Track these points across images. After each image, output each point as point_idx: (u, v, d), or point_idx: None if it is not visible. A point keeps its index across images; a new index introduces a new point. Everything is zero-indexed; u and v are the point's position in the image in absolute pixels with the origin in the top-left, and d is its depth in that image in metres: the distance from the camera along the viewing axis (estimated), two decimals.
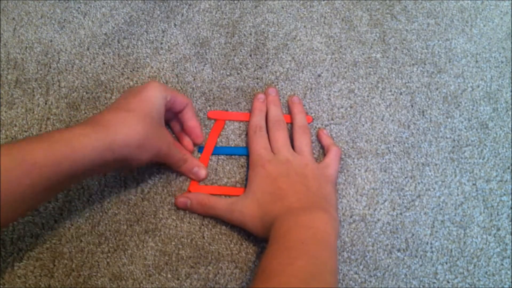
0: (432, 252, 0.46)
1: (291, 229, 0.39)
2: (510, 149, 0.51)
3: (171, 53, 0.55)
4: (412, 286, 0.44)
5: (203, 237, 0.46)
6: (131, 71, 0.54)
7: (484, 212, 0.48)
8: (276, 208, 0.42)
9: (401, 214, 0.47)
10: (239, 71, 0.55)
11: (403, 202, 0.48)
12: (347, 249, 0.45)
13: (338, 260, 0.45)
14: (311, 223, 0.40)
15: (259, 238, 0.45)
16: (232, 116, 0.52)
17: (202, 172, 0.48)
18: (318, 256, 0.37)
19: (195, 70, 0.55)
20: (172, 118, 0.50)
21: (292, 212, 0.41)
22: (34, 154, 0.35)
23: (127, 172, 0.48)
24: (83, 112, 0.52)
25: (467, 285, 0.44)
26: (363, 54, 0.56)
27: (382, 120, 0.52)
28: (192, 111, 0.49)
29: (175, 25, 0.57)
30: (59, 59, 0.55)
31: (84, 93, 0.53)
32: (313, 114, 0.52)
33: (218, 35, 0.57)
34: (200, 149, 0.50)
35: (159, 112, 0.43)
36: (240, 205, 0.44)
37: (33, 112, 0.52)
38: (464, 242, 0.46)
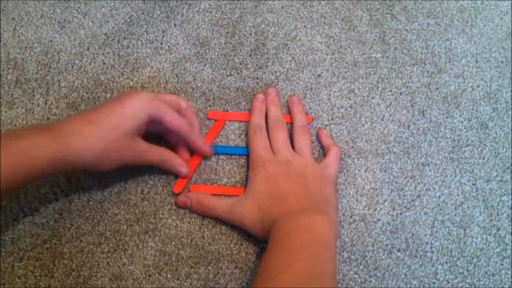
0: (432, 252, 0.46)
1: (290, 231, 0.39)
2: (510, 149, 0.51)
3: (171, 53, 0.55)
4: (412, 286, 0.44)
5: (203, 237, 0.46)
6: (131, 71, 0.54)
7: (484, 212, 0.48)
8: (275, 210, 0.42)
9: (401, 214, 0.47)
10: (239, 71, 0.55)
11: (403, 202, 0.48)
12: (347, 249, 0.45)
13: (338, 260, 0.45)
14: (311, 225, 0.40)
15: (259, 239, 0.45)
16: (232, 116, 0.52)
17: (182, 170, 0.47)
18: (317, 258, 0.37)
19: (195, 70, 0.55)
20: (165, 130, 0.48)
21: (291, 214, 0.41)
22: None
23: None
24: None
25: (467, 285, 0.44)
26: (363, 54, 0.56)
27: (382, 120, 0.52)
28: (190, 135, 0.46)
29: (175, 25, 0.57)
30: (59, 59, 0.55)
31: (84, 93, 0.53)
32: (313, 114, 0.52)
33: (218, 35, 0.57)
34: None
35: (131, 126, 0.42)
36: (240, 206, 0.44)
37: (33, 112, 0.52)
38: (464, 242, 0.46)
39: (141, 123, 0.43)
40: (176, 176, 0.48)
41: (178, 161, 0.47)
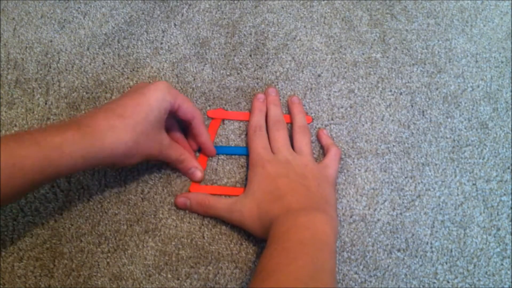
0: (432, 252, 0.46)
1: (290, 230, 0.39)
2: (510, 149, 0.51)
3: (171, 53, 0.55)
4: (412, 286, 0.44)
5: (203, 237, 0.46)
6: (131, 71, 0.54)
7: (484, 212, 0.48)
8: (275, 208, 0.42)
9: (401, 214, 0.47)
10: (239, 71, 0.55)
11: (403, 202, 0.48)
12: (347, 249, 0.45)
13: (338, 260, 0.45)
14: (310, 224, 0.40)
15: (258, 238, 0.45)
16: (231, 115, 0.52)
17: (197, 174, 0.48)
18: (317, 256, 0.37)
19: (195, 70, 0.55)
20: (173, 124, 0.49)
21: (291, 213, 0.41)
22: (23, 160, 0.36)
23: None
24: (83, 112, 0.52)
25: (467, 285, 0.44)
26: (363, 54, 0.56)
27: (382, 120, 0.52)
28: (201, 125, 0.48)
29: (175, 25, 0.57)
30: (59, 59, 0.55)
31: (84, 93, 0.53)
32: (313, 114, 0.52)
33: (218, 35, 0.57)
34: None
35: (157, 117, 0.43)
36: (240, 205, 0.44)
37: (33, 112, 0.52)
38: (464, 242, 0.46)
39: (165, 113, 0.43)
40: (176, 176, 0.48)
41: (195, 163, 0.48)
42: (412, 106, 0.53)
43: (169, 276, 0.44)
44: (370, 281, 0.44)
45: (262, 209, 0.43)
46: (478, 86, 0.54)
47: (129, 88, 0.53)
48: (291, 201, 0.42)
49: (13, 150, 0.36)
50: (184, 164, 0.47)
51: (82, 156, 0.38)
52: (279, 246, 0.38)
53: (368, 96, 0.53)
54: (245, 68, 0.55)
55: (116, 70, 0.54)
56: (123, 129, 0.40)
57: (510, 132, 0.52)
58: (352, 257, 0.45)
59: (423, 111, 0.53)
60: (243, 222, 0.44)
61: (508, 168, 0.50)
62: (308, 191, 0.43)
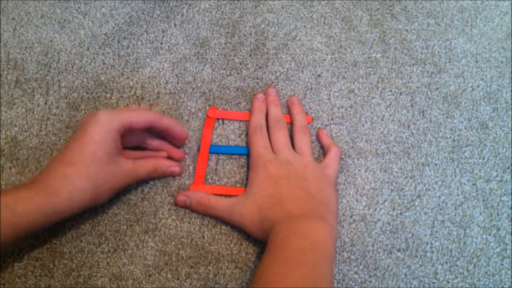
0: (432, 252, 0.46)
1: (289, 237, 0.39)
2: (510, 149, 0.51)
3: (171, 53, 0.55)
4: (412, 286, 0.44)
5: (203, 237, 0.46)
6: (131, 71, 0.54)
7: (484, 212, 0.48)
8: (275, 212, 0.42)
9: (401, 214, 0.47)
10: (239, 71, 0.55)
11: (403, 202, 0.48)
12: (347, 249, 0.45)
13: (338, 260, 0.45)
14: (309, 232, 0.40)
15: (258, 240, 0.45)
16: (231, 115, 0.52)
17: (175, 170, 0.47)
18: (315, 266, 0.37)
19: (195, 70, 0.55)
20: (142, 139, 0.48)
21: (291, 219, 0.41)
22: None
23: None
24: (83, 112, 0.52)
25: (467, 285, 0.44)
26: (363, 54, 0.56)
27: (382, 120, 0.52)
28: (161, 121, 0.45)
29: (175, 25, 0.57)
30: (59, 59, 0.55)
31: (84, 93, 0.53)
32: (313, 114, 0.52)
33: (218, 35, 0.57)
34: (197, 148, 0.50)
35: (107, 149, 0.41)
36: (240, 207, 0.44)
37: (33, 112, 0.52)
38: (464, 242, 0.46)
39: (114, 142, 0.42)
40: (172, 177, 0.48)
41: (166, 164, 0.47)
42: (412, 106, 0.53)
43: (169, 276, 0.44)
44: (370, 281, 0.44)
45: (262, 212, 0.43)
46: (478, 86, 0.54)
47: (129, 88, 0.53)
48: (291, 207, 0.42)
49: None
50: (159, 171, 0.46)
51: (39, 213, 0.37)
52: (277, 255, 0.38)
53: (368, 96, 0.53)
54: (245, 68, 0.55)
55: (116, 70, 0.54)
56: (75, 176, 0.39)
57: (510, 132, 0.52)
58: (352, 257, 0.45)
59: (423, 111, 0.53)
60: (243, 224, 0.44)
61: (508, 168, 0.50)
62: (308, 195, 0.43)
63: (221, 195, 0.48)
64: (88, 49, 0.56)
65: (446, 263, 0.45)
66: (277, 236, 0.40)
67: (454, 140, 0.51)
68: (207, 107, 0.52)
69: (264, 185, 0.44)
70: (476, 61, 0.56)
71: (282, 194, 0.43)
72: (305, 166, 0.46)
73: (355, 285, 0.44)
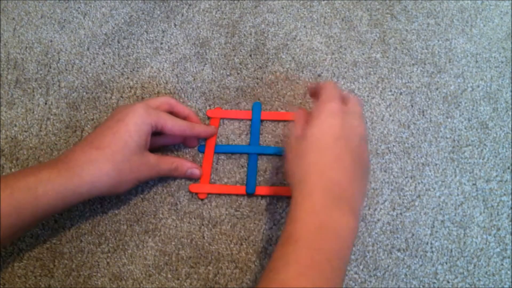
0: (432, 252, 0.46)
1: (321, 229, 0.35)
2: (510, 149, 0.51)
3: (171, 53, 0.55)
4: (412, 286, 0.44)
5: (203, 237, 0.46)
6: (131, 71, 0.54)
7: (484, 212, 0.48)
8: (312, 177, 0.37)
9: (401, 214, 0.47)
10: (239, 71, 0.55)
11: (403, 202, 0.48)
12: None
13: None
14: (342, 231, 0.35)
15: (258, 238, 0.45)
16: (231, 114, 0.52)
17: (196, 172, 0.48)
18: (334, 279, 0.34)
19: (195, 70, 0.55)
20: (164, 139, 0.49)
21: (328, 199, 0.36)
22: None
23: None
24: (83, 112, 0.52)
25: (467, 285, 0.44)
26: (363, 54, 0.56)
27: (382, 120, 0.52)
28: (194, 129, 0.47)
29: (175, 25, 0.57)
30: (59, 59, 0.55)
31: (84, 93, 0.53)
32: None
33: (218, 35, 0.57)
34: (201, 147, 0.50)
35: (138, 141, 0.42)
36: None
37: (33, 112, 0.52)
38: (464, 242, 0.46)
39: (146, 136, 0.43)
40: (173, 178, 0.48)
41: (187, 165, 0.47)
42: (412, 106, 0.53)
43: (169, 276, 0.44)
44: (370, 281, 0.44)
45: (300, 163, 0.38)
46: (478, 86, 0.54)
47: (129, 88, 0.53)
48: (335, 179, 0.37)
49: None
50: (179, 170, 0.47)
51: (59, 193, 0.38)
52: (307, 254, 0.34)
53: (368, 96, 0.53)
54: (245, 68, 0.55)
55: (116, 70, 0.54)
56: (101, 160, 0.40)
57: (510, 132, 0.52)
58: (352, 257, 0.45)
59: (423, 111, 0.53)
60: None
61: (508, 168, 0.50)
62: (355, 170, 0.38)
63: (221, 194, 0.48)
64: (88, 49, 0.56)
65: (446, 263, 0.45)
66: (309, 219, 0.35)
67: (454, 140, 0.51)
68: (207, 107, 0.52)
69: (329, 129, 0.39)
70: (476, 61, 0.56)
71: (339, 156, 0.38)
72: (357, 126, 0.40)
73: (355, 285, 0.44)
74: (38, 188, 0.37)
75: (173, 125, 0.45)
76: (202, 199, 0.47)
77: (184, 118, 0.48)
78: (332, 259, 0.34)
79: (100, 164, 0.40)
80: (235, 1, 0.59)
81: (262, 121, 0.52)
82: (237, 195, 0.48)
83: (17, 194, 0.36)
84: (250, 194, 0.48)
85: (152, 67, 0.55)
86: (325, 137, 0.38)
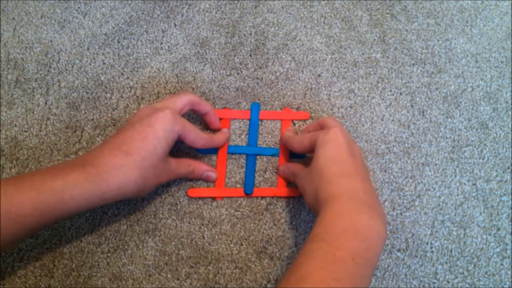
0: (432, 252, 0.46)
1: (347, 233, 0.35)
2: (510, 149, 0.51)
3: (171, 53, 0.55)
4: (412, 286, 0.44)
5: (203, 237, 0.46)
6: (131, 71, 0.54)
7: (484, 212, 0.48)
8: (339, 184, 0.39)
9: (401, 214, 0.47)
10: (239, 71, 0.55)
11: (403, 202, 0.48)
12: None
13: None
14: (369, 233, 0.36)
15: (258, 238, 0.45)
16: (233, 114, 0.52)
17: (212, 175, 0.48)
18: (355, 275, 0.34)
19: (195, 70, 0.55)
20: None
21: (354, 204, 0.37)
22: (21, 207, 0.35)
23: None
24: (83, 112, 0.52)
25: (467, 285, 0.44)
26: (363, 54, 0.56)
27: (382, 120, 0.52)
28: (218, 144, 0.48)
29: (175, 25, 0.57)
30: (59, 59, 0.55)
31: (84, 93, 0.53)
32: (313, 114, 0.52)
33: (218, 35, 0.57)
34: (215, 150, 0.50)
35: (165, 148, 0.42)
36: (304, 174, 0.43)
37: (33, 112, 0.52)
38: (464, 242, 0.46)
39: (172, 143, 0.43)
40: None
41: (204, 167, 0.47)
42: (412, 106, 0.53)
43: (169, 276, 0.44)
44: (370, 281, 0.44)
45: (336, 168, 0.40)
46: (478, 86, 0.54)
47: (129, 88, 0.53)
48: (358, 186, 0.39)
49: (11, 195, 0.35)
50: (196, 173, 0.47)
51: (85, 199, 0.38)
52: (330, 253, 0.34)
53: (368, 96, 0.53)
54: (245, 68, 0.55)
55: (116, 70, 0.54)
56: (129, 167, 0.39)
57: (510, 132, 0.52)
58: None
59: (423, 111, 0.53)
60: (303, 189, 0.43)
61: (508, 168, 0.50)
62: (371, 184, 0.41)
63: (221, 197, 0.48)
64: (88, 49, 0.56)
65: (446, 263, 0.45)
66: (335, 221, 0.36)
67: (454, 140, 0.51)
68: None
69: (337, 147, 0.42)
70: (476, 61, 0.56)
71: (354, 165, 0.40)
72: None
73: None
74: (65, 193, 0.37)
75: (195, 137, 0.44)
76: (217, 201, 0.48)
77: (204, 115, 0.48)
78: (356, 258, 0.34)
79: (128, 171, 0.39)
80: (235, 1, 0.59)
81: (261, 121, 0.52)
82: (237, 197, 0.48)
83: (44, 196, 0.36)
84: (248, 195, 0.48)
85: (152, 67, 0.55)
86: (341, 154, 0.41)
